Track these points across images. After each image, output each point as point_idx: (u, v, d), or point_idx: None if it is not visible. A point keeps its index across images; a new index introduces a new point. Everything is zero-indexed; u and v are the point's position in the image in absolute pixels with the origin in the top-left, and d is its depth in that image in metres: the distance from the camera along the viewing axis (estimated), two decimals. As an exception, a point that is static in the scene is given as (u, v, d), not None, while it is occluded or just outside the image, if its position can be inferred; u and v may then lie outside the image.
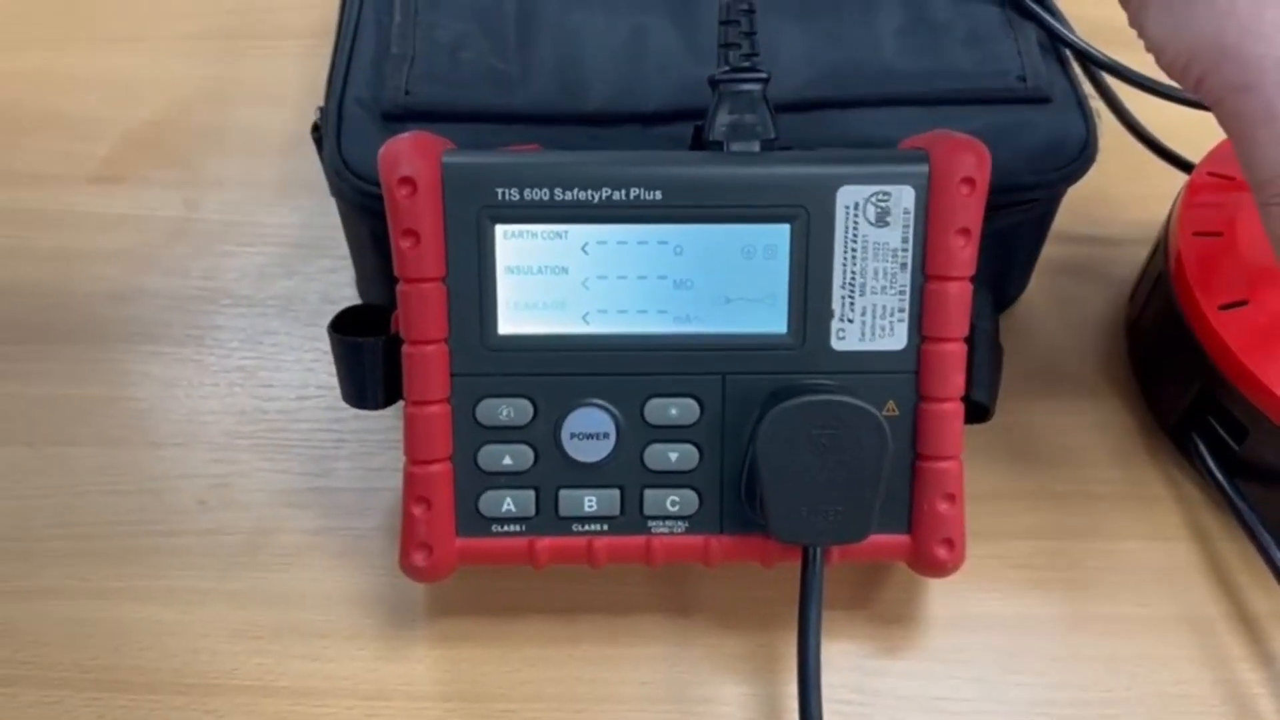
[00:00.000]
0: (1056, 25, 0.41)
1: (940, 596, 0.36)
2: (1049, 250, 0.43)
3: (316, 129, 0.39)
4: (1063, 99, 0.39)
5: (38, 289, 0.45)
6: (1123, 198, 0.45)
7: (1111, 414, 0.41)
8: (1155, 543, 0.37)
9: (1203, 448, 0.37)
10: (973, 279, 0.31)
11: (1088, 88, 0.42)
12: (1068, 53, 0.41)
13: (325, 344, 0.35)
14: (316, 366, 0.42)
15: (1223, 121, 0.27)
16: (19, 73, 0.53)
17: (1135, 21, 0.27)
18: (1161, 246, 0.40)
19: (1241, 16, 0.25)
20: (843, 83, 0.39)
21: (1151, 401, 0.40)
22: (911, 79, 0.39)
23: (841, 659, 0.35)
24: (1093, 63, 0.43)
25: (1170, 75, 0.27)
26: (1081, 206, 0.44)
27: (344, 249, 0.42)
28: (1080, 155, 0.38)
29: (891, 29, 0.40)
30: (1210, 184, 0.39)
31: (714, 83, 0.32)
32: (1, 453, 0.40)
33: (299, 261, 0.46)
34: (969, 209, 0.30)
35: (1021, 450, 0.40)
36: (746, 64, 0.32)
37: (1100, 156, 0.39)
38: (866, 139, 0.37)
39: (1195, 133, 0.40)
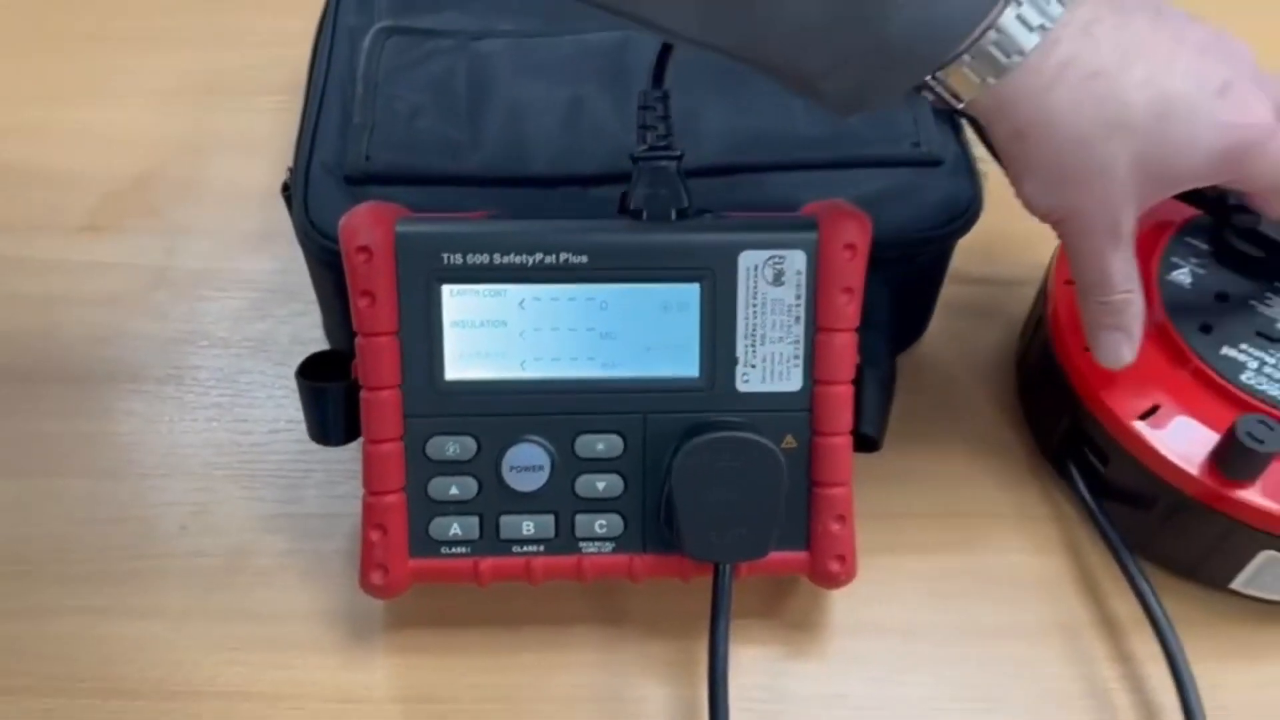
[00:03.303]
0: None
1: (842, 606, 0.41)
2: (951, 291, 0.48)
3: (286, 188, 0.43)
4: (954, 162, 0.44)
5: (28, 332, 0.49)
6: (1019, 244, 0.50)
7: (1000, 442, 0.45)
8: (1034, 556, 0.42)
9: (1075, 472, 0.42)
10: (857, 330, 0.36)
11: (982, 151, 0.46)
12: (962, 121, 0.46)
13: (295, 383, 0.39)
14: (287, 403, 0.46)
15: (1065, 241, 0.36)
16: (7, 129, 0.56)
17: (1014, 185, 0.35)
18: (1042, 291, 0.45)
19: (1073, 197, 0.34)
20: (756, 149, 0.43)
21: (1035, 430, 0.45)
22: (818, 145, 0.43)
23: (753, 662, 0.39)
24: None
25: (1034, 215, 0.36)
26: (982, 252, 0.49)
27: (312, 294, 0.46)
28: (966, 212, 0.43)
29: (801, 100, 0.45)
30: (1083, 237, 0.44)
31: (635, 159, 0.37)
32: (2, 485, 0.44)
33: (271, 306, 0.50)
34: (852, 271, 0.35)
35: (919, 475, 0.44)
36: (662, 143, 0.37)
37: (999, 207, 0.44)
38: (777, 200, 0.41)
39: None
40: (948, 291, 0.48)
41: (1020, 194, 0.35)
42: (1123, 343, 0.37)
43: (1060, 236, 0.36)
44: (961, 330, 0.49)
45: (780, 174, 0.43)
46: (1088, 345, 0.38)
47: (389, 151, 0.43)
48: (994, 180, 0.50)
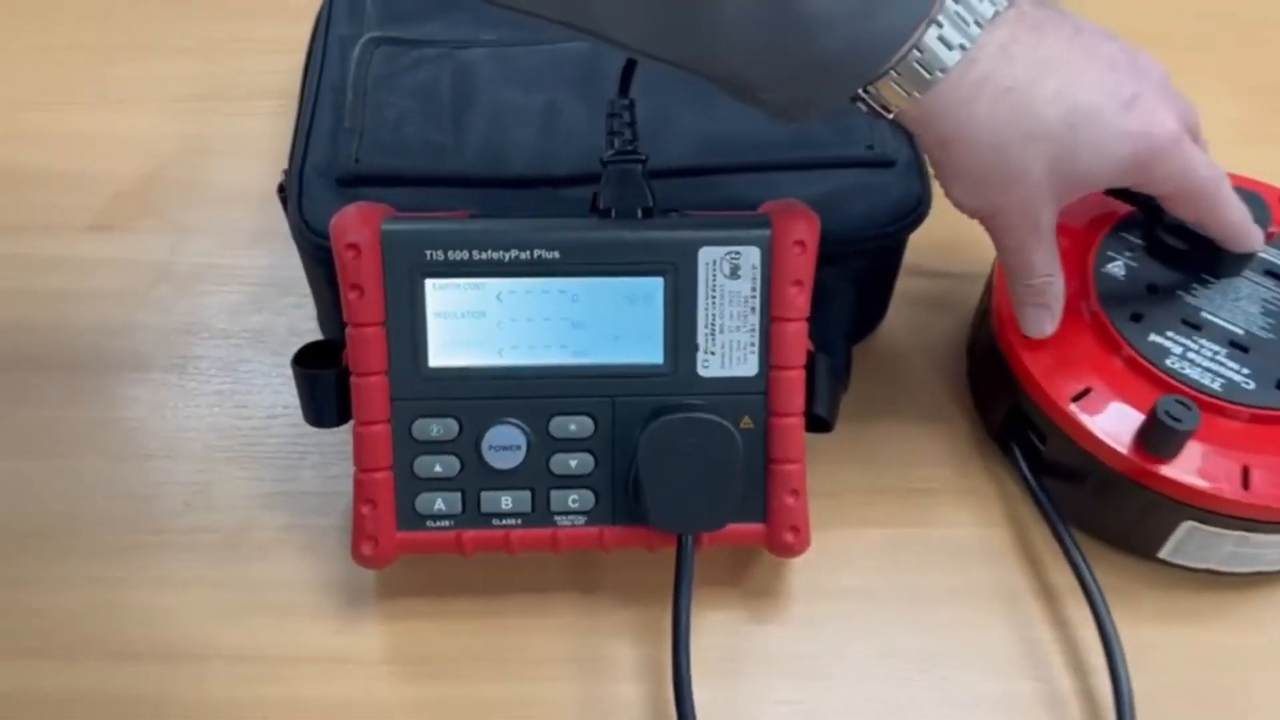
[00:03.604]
0: None
1: (800, 575, 0.44)
2: (909, 283, 0.51)
3: (282, 189, 0.46)
4: (905, 163, 0.47)
5: (41, 325, 0.52)
6: (972, 242, 0.52)
7: (950, 423, 0.48)
8: (979, 529, 0.45)
9: (1017, 451, 0.45)
10: (807, 319, 0.39)
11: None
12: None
13: (291, 371, 0.42)
14: (283, 390, 0.49)
15: (992, 235, 0.40)
16: (19, 134, 0.59)
17: (943, 187, 0.39)
18: (988, 286, 0.48)
19: (996, 198, 0.38)
20: (721, 152, 0.46)
21: (981, 413, 0.48)
22: (779, 148, 0.46)
23: (716, 625, 0.42)
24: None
25: (963, 214, 0.39)
26: (937, 249, 0.52)
27: (306, 288, 0.49)
28: (917, 209, 0.46)
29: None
30: (1026, 232, 0.47)
31: (604, 163, 0.40)
32: (17, 465, 0.47)
33: (268, 299, 0.53)
34: (802, 265, 0.38)
35: (875, 454, 0.47)
36: (629, 148, 0.40)
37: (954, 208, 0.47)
38: (741, 200, 0.44)
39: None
40: (905, 285, 0.51)
41: (949, 195, 0.38)
42: (1045, 317, 0.42)
43: (988, 231, 0.39)
44: (916, 321, 0.52)
45: (744, 175, 0.46)
46: (1016, 320, 0.43)
47: (377, 155, 0.46)
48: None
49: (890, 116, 0.35)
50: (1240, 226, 0.41)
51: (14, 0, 0.66)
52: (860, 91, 0.34)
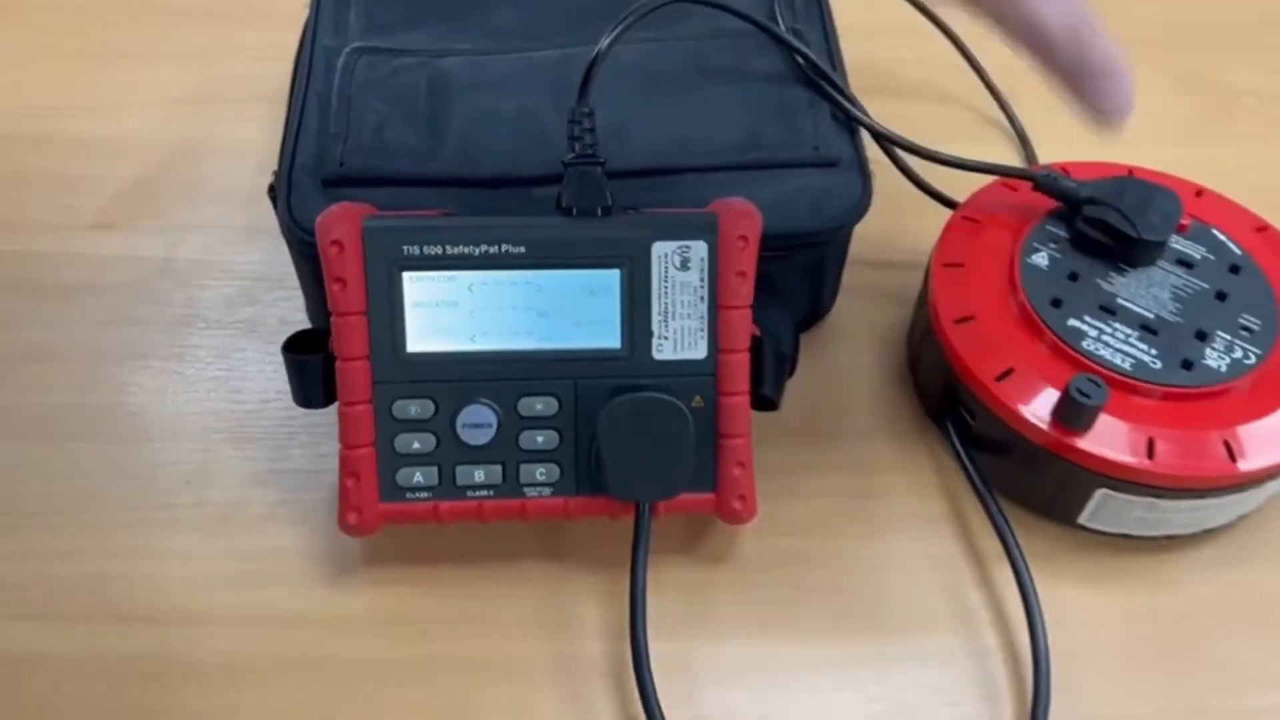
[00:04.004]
0: (848, 105, 0.52)
1: (750, 542, 0.48)
2: (856, 274, 0.55)
3: (272, 190, 0.50)
4: (848, 163, 0.50)
5: (49, 317, 0.55)
6: (914, 236, 0.56)
7: (891, 403, 0.52)
8: (916, 499, 0.49)
9: (950, 428, 0.49)
10: (751, 307, 0.43)
11: (874, 153, 0.53)
12: (859, 126, 0.53)
13: (281, 358, 0.46)
14: (275, 376, 0.53)
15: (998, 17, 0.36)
16: (24, 138, 0.62)
17: None
18: (926, 274, 0.52)
19: None
20: (678, 154, 0.49)
21: (919, 393, 0.52)
22: (731, 150, 0.50)
23: (673, 588, 0.46)
24: (878, 136, 0.53)
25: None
26: (883, 240, 0.56)
27: (295, 281, 0.53)
28: (857, 206, 0.49)
29: (718, 110, 0.51)
30: (961, 225, 0.51)
31: (566, 165, 0.44)
32: (28, 448, 0.50)
33: (260, 292, 0.56)
34: (745, 257, 0.42)
35: (822, 431, 0.51)
36: (589, 152, 0.43)
37: (901, 204, 0.51)
38: (694, 198, 0.47)
39: (963, 185, 0.53)
40: (852, 275, 0.55)
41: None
42: (1114, 78, 0.35)
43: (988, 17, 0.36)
44: (863, 309, 0.55)
45: (698, 175, 0.49)
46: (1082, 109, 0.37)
47: (361, 157, 0.49)
48: (899, 182, 0.57)
49: None
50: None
51: (17, 12, 0.70)
52: None
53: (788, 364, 0.47)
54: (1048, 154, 0.62)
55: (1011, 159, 0.63)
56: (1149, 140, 0.64)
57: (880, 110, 0.53)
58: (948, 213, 0.55)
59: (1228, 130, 0.65)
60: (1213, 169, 0.55)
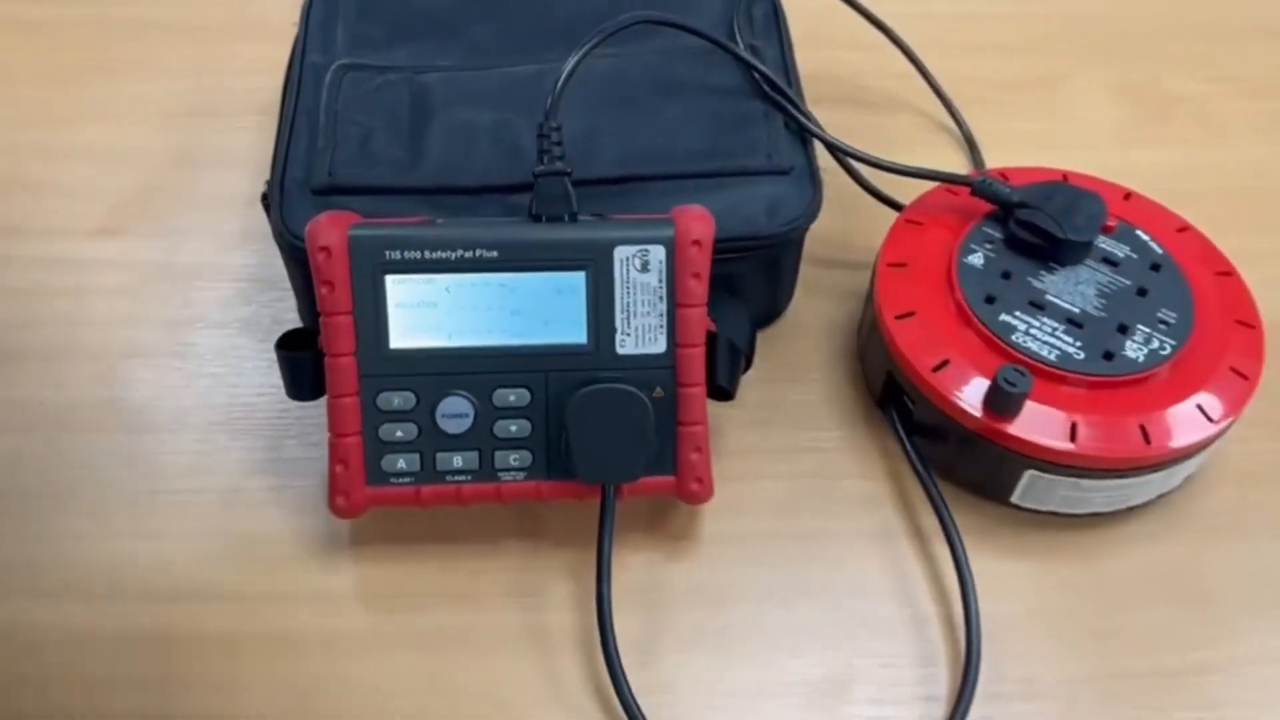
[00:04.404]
0: (801, 118, 0.55)
1: (709, 521, 0.51)
2: (812, 273, 0.59)
3: (265, 198, 0.54)
4: (800, 171, 0.54)
5: (56, 318, 0.58)
6: (865, 234, 0.60)
7: (842, 392, 0.56)
8: (864, 481, 0.53)
9: (894, 414, 0.53)
10: (706, 305, 0.47)
11: (825, 161, 0.57)
12: (811, 136, 0.56)
13: (275, 355, 0.48)
14: (269, 372, 0.56)
15: None
16: (29, 148, 0.66)
17: None
18: (873, 271, 0.55)
19: None
20: (643, 163, 0.53)
21: (867, 382, 0.56)
22: (692, 159, 0.53)
23: (639, 566, 0.50)
24: (830, 146, 0.57)
25: None
26: (838, 241, 0.60)
27: (287, 284, 0.56)
28: (808, 210, 0.53)
29: (680, 122, 0.55)
30: (904, 227, 0.55)
31: (535, 175, 0.47)
32: (40, 440, 0.54)
33: (254, 294, 0.59)
34: (700, 260, 0.46)
35: (777, 419, 0.55)
36: (558, 163, 0.47)
37: (853, 208, 0.55)
38: (656, 205, 0.50)
39: (910, 190, 0.56)
40: (808, 274, 0.58)
41: None
42: None
43: None
44: (817, 306, 0.59)
45: (661, 183, 0.53)
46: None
47: (348, 168, 0.53)
48: (852, 187, 0.61)
49: None
50: None
51: (21, 28, 0.73)
52: None
53: (742, 357, 0.50)
54: (994, 159, 0.66)
55: (960, 163, 0.67)
56: (1088, 145, 0.68)
57: (837, 117, 0.57)
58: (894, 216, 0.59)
59: (1163, 134, 0.69)
60: (1147, 173, 0.59)
